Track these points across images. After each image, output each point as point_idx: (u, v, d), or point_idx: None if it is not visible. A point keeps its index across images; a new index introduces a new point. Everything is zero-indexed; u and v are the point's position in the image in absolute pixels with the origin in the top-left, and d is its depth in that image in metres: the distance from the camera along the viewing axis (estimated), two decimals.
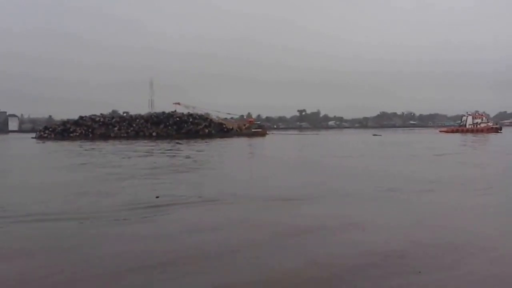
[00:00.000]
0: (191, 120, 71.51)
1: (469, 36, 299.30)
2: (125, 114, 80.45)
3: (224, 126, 74.06)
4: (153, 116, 72.50)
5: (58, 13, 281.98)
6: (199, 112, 74.45)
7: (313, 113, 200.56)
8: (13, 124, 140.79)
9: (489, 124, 73.82)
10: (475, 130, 71.72)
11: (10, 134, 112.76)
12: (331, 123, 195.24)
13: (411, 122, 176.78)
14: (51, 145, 46.49)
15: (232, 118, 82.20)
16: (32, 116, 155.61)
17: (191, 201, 10.93)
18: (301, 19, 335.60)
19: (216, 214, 9.58)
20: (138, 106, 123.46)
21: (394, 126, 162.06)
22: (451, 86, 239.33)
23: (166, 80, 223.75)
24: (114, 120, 70.10)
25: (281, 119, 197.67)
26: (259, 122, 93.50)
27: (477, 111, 79.31)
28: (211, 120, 73.39)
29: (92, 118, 69.30)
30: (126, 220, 8.96)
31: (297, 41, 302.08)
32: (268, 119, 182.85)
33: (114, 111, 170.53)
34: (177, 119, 71.05)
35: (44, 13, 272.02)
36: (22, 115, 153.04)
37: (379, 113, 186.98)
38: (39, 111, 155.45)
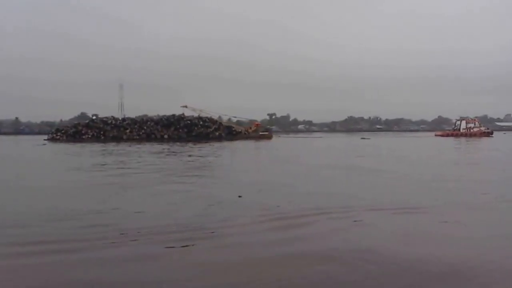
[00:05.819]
0: (201, 123, 71.97)
1: (439, 43, 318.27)
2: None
3: (233, 129, 75.63)
4: (163, 118, 71.91)
5: (44, 11, 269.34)
6: (205, 115, 74.68)
7: (283, 117, 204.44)
8: None
9: (482, 128, 79.97)
10: (469, 134, 77.24)
11: None
12: (300, 126, 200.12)
13: (377, 126, 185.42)
14: (80, 147, 44.17)
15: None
16: None
17: (310, 213, 9.07)
18: (285, 21, 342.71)
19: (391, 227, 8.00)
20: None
21: (361, 130, 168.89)
22: (415, 91, 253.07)
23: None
24: (125, 122, 68.63)
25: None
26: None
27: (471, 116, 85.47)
28: (220, 123, 74.30)
29: (104, 121, 67.87)
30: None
31: (275, 43, 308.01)
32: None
33: (83, 113, 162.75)
34: (188, 122, 71.18)
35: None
36: None
37: (346, 118, 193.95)
38: (3, 113, 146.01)
